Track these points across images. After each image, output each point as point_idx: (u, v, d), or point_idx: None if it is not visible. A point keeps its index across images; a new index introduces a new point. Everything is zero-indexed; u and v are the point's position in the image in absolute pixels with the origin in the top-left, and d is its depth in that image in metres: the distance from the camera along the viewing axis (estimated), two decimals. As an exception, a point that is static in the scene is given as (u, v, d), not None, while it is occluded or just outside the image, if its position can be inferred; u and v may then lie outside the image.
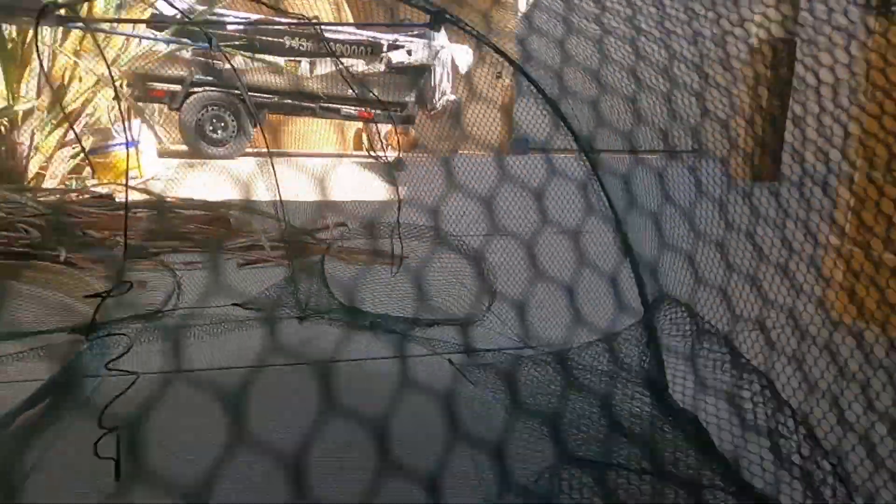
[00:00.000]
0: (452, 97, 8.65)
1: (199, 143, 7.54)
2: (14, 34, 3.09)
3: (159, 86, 7.23)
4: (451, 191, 0.99)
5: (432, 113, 8.54)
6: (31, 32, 3.15)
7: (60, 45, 3.37)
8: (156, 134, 4.29)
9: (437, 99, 8.42)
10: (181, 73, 7.26)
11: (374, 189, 3.88)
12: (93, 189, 3.25)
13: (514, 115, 12.37)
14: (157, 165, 5.61)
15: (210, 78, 7.35)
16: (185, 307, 1.74)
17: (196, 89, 7.34)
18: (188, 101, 7.45)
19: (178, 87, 7.25)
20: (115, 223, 2.31)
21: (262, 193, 3.05)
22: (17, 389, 1.30)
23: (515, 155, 12.09)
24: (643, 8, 1.23)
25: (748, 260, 1.08)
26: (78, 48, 3.45)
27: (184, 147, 7.62)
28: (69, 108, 3.55)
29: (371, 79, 8.06)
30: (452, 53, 8.47)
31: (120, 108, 4.07)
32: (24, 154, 3.27)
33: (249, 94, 7.39)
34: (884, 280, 1.23)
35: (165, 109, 7.67)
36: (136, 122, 4.43)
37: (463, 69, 8.76)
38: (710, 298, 1.07)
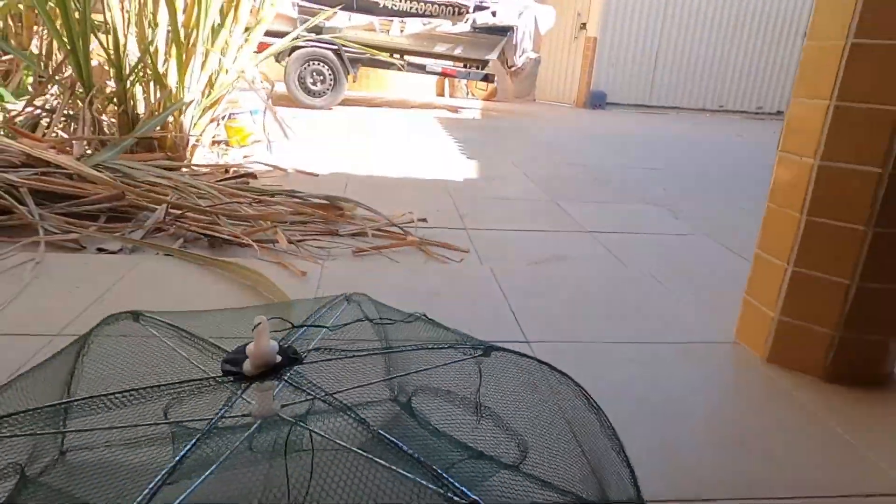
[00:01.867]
0: (533, 55, 9.02)
1: (300, 94, 8.43)
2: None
3: (267, 39, 8.04)
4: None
5: (513, 70, 8.99)
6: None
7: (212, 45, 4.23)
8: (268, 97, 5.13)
9: (518, 57, 8.82)
10: (287, 28, 8.03)
11: (450, 154, 4.57)
12: (241, 166, 4.20)
13: (593, 70, 12.45)
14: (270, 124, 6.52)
15: (312, 34, 8.09)
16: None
17: (300, 44, 8.09)
18: (291, 56, 8.29)
19: (283, 42, 8.04)
20: (261, 212, 3.17)
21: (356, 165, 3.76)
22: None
23: (592, 108, 12.32)
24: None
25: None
26: (224, 46, 4.32)
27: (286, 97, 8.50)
28: (217, 95, 4.49)
29: (456, 38, 8.59)
30: (536, 13, 8.78)
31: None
32: (187, 133, 4.26)
33: (345, 49, 8.10)
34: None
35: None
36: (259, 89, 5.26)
37: (544, 29, 9.08)
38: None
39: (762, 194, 1.96)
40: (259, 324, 0.84)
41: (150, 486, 0.67)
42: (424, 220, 3.23)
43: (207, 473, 0.76)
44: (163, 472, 0.70)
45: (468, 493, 0.66)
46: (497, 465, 1.09)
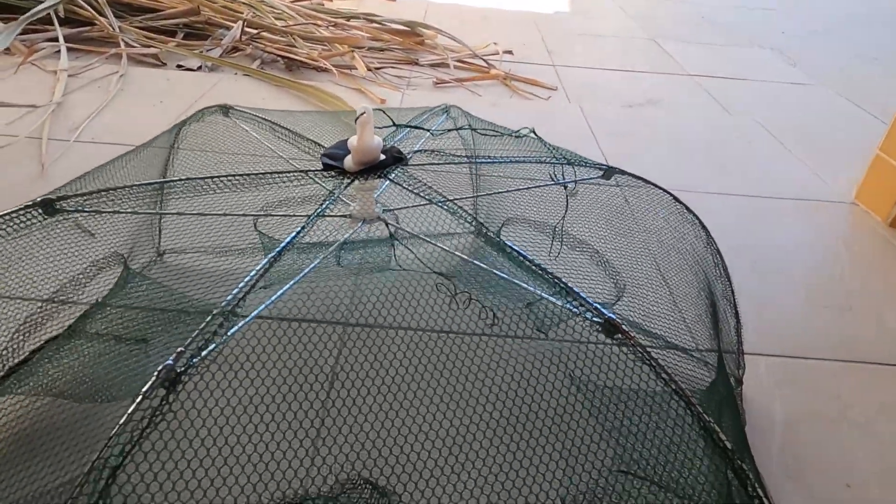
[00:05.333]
0: None
1: None
2: None
3: None
4: None
5: None
6: None
7: None
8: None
9: None
10: None
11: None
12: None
13: None
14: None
15: None
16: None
17: None
18: None
19: None
20: (338, 36, 2.99)
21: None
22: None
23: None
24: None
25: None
26: None
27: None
28: None
29: None
30: None
31: None
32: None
33: None
34: None
35: None
36: None
37: None
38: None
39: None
40: (363, 113, 0.75)
41: (252, 274, 0.65)
42: (510, 52, 2.98)
43: (300, 277, 0.74)
44: (264, 262, 0.67)
45: (603, 310, 0.60)
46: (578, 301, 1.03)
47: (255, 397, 0.79)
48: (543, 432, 0.88)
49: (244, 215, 1.03)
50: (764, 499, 0.50)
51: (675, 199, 0.94)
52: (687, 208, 0.94)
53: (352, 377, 0.99)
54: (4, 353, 0.88)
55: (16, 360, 0.89)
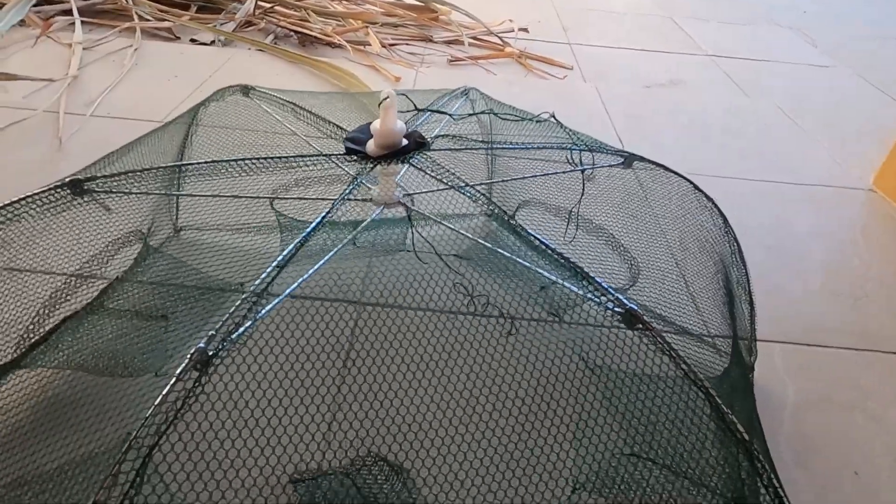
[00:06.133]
0: None
1: None
2: None
3: None
4: None
5: None
6: None
7: None
8: None
9: None
10: None
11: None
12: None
13: None
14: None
15: None
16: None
17: None
18: None
19: None
20: (352, 11, 2.96)
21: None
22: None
23: None
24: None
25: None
26: None
27: None
28: None
29: None
30: None
31: None
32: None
33: None
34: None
35: None
36: None
37: None
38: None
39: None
40: (387, 97, 0.75)
41: (279, 258, 0.66)
42: (526, 29, 2.94)
43: (327, 258, 0.75)
44: (290, 248, 0.68)
45: (625, 300, 0.61)
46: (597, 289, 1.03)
47: (269, 374, 0.81)
48: (558, 412, 0.89)
49: (264, 198, 1.03)
50: (780, 489, 0.51)
51: (695, 186, 0.93)
52: (705, 195, 0.94)
53: (363, 356, 1.00)
54: (30, 327, 0.90)
55: (39, 335, 0.91)
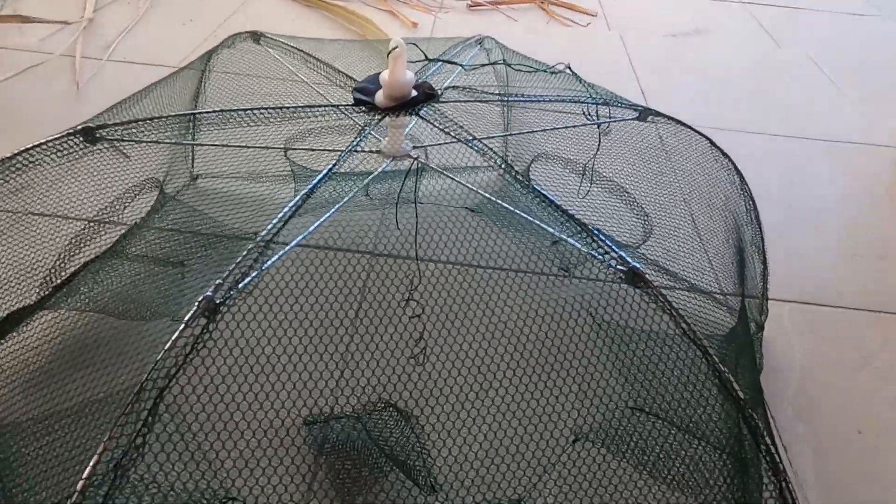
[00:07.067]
0: None
1: None
2: None
3: None
4: None
5: None
6: None
7: None
8: None
9: None
10: None
11: None
12: None
13: None
14: None
15: None
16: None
17: None
18: None
19: None
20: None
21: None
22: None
23: None
24: None
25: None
26: None
27: None
28: None
29: None
30: None
31: None
32: None
33: None
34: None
35: None
36: None
37: None
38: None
39: None
40: (396, 47, 0.73)
41: (286, 208, 0.67)
42: (549, -27, 2.82)
43: (335, 209, 0.75)
44: (296, 199, 0.69)
45: (628, 258, 0.61)
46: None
47: (284, 322, 0.83)
48: (564, 365, 0.91)
49: (276, 148, 1.03)
50: (771, 447, 0.52)
51: (712, 142, 0.91)
52: (722, 152, 0.91)
53: (374, 307, 1.02)
54: (53, 270, 0.93)
55: (61, 278, 0.94)
